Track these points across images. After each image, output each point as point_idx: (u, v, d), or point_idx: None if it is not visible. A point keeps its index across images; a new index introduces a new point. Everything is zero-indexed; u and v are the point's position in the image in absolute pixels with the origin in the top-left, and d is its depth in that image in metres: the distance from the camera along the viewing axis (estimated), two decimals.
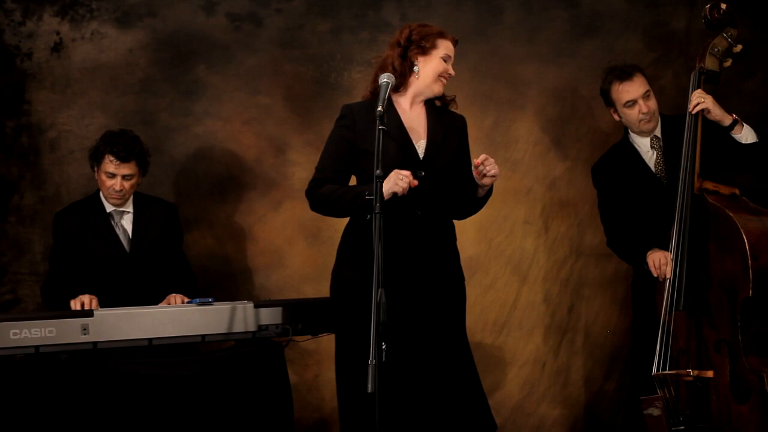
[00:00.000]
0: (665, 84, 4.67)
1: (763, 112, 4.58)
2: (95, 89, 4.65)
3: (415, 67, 3.58)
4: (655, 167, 4.08)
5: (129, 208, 4.18)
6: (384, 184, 3.31)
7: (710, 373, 3.67)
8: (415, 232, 3.49)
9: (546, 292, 4.85)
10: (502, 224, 4.81)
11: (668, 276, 3.81)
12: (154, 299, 4.00)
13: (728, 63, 4.02)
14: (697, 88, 3.94)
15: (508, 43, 4.81)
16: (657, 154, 4.10)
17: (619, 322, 4.74)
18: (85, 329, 3.59)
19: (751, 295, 3.62)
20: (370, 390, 2.98)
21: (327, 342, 3.92)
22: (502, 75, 4.81)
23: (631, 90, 4.04)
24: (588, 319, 4.84)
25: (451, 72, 3.63)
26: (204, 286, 4.41)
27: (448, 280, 3.61)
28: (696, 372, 3.67)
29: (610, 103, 4.12)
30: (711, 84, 4.00)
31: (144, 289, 4.08)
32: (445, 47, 3.61)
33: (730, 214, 3.70)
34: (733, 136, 3.93)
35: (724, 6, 3.95)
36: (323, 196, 3.55)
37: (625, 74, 4.06)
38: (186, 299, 3.99)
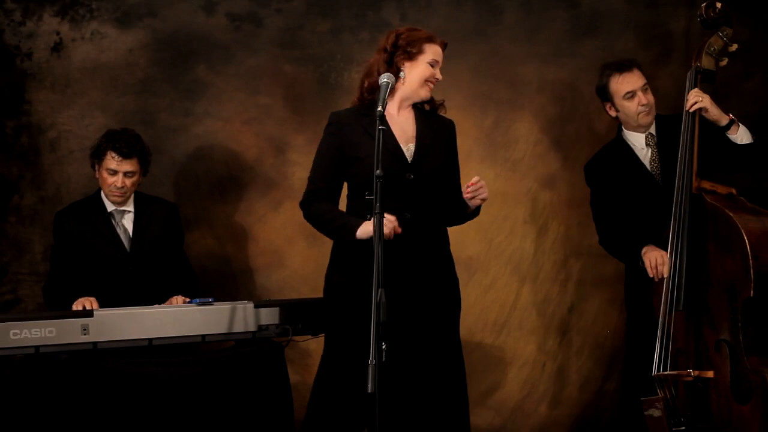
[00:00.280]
0: (665, 84, 4.66)
1: (763, 112, 4.59)
2: (95, 89, 4.65)
3: (401, 73, 3.58)
4: (651, 165, 4.08)
5: (130, 207, 4.18)
6: (362, 227, 3.42)
7: (711, 374, 3.66)
8: (403, 235, 3.49)
9: (546, 292, 4.85)
10: (502, 224, 4.81)
11: (665, 275, 3.80)
12: (155, 299, 4.00)
13: (724, 62, 4.02)
14: (694, 87, 3.95)
15: (508, 43, 4.81)
16: (652, 151, 4.09)
17: (619, 322, 4.73)
18: (85, 329, 3.60)
19: (752, 295, 3.61)
20: (370, 390, 2.97)
21: None
22: (502, 75, 4.81)
23: (631, 81, 4.04)
24: (588, 319, 4.85)
25: (438, 77, 3.63)
26: (204, 286, 4.41)
27: (439, 283, 3.62)
28: (697, 372, 3.66)
29: (607, 97, 4.11)
30: (708, 83, 4.00)
31: (145, 289, 4.08)
32: (432, 52, 3.61)
33: (731, 214, 3.69)
34: (729, 136, 3.93)
35: (719, 5, 3.96)
36: (313, 216, 3.62)
37: (624, 66, 4.07)
38: (187, 300, 3.99)
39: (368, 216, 3.35)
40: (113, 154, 4.06)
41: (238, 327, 3.82)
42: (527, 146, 4.83)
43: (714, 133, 3.94)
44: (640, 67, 4.10)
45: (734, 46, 3.99)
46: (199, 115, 4.73)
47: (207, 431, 3.70)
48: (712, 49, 3.99)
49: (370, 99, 3.62)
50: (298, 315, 3.92)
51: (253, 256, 4.77)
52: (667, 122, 4.10)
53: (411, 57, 3.59)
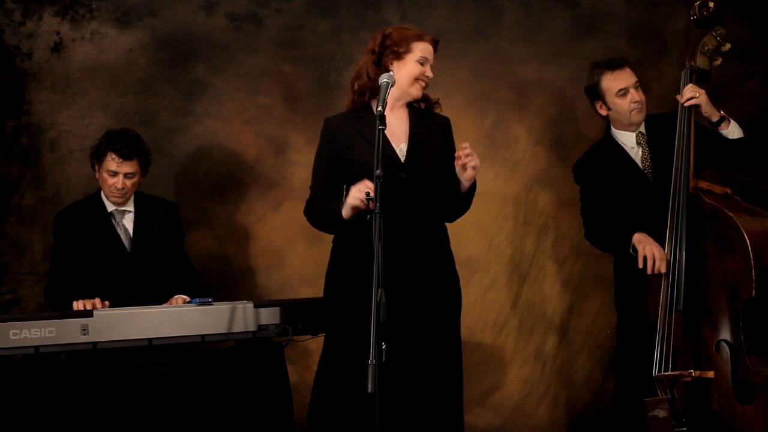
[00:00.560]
0: (665, 84, 4.66)
1: (763, 112, 4.59)
2: (95, 89, 4.65)
3: (390, 73, 3.58)
4: (642, 163, 4.07)
5: (130, 207, 4.18)
6: (344, 207, 3.46)
7: (711, 374, 3.66)
8: (401, 234, 3.49)
9: (546, 292, 4.85)
10: (502, 224, 4.81)
11: (662, 271, 3.79)
12: (156, 299, 4.00)
13: (718, 61, 4.02)
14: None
15: (508, 43, 4.81)
16: (643, 150, 4.08)
17: None
18: (84, 329, 3.60)
19: (753, 295, 3.61)
20: (370, 390, 2.97)
21: None
22: (502, 75, 4.81)
23: (624, 78, 4.04)
24: (588, 319, 4.85)
25: (429, 74, 3.62)
26: (204, 286, 4.41)
27: (440, 282, 3.61)
28: (697, 373, 3.66)
29: (598, 96, 4.09)
30: (702, 83, 3.99)
31: (145, 289, 4.08)
32: (421, 50, 3.60)
33: (731, 214, 3.69)
34: (721, 131, 3.92)
35: (712, 4, 3.96)
36: (311, 217, 3.69)
37: (615, 64, 4.07)
38: (188, 299, 3.99)
39: (368, 216, 3.35)
40: (113, 156, 4.06)
41: (238, 327, 3.82)
42: (527, 146, 4.83)
43: (705, 131, 3.95)
44: (631, 65, 4.10)
45: (727, 46, 3.99)
46: (199, 115, 4.73)
47: (207, 431, 3.70)
48: (706, 48, 3.99)
49: (361, 101, 3.63)
50: (298, 315, 3.92)
51: (253, 256, 4.77)
52: (657, 121, 4.10)
53: (399, 56, 3.58)
